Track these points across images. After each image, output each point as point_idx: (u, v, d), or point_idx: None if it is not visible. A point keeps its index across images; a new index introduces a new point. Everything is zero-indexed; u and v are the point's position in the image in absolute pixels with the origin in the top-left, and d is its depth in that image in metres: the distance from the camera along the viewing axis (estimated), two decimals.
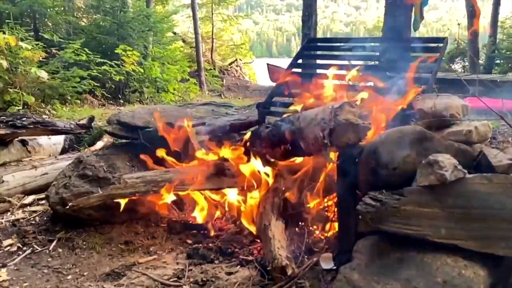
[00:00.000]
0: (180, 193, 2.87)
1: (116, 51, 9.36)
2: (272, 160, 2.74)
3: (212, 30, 17.66)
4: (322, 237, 2.54)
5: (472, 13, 12.19)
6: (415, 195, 1.82)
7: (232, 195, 2.96)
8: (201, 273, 2.36)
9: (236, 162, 2.84)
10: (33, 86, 7.24)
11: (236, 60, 18.98)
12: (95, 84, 8.66)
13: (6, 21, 7.54)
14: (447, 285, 1.66)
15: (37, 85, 7.31)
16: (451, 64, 12.89)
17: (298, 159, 2.68)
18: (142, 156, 2.94)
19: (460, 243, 1.76)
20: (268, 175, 2.80)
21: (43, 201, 3.43)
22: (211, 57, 17.08)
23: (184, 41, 17.55)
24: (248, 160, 2.82)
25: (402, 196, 1.82)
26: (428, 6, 8.18)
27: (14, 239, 2.88)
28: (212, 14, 17.82)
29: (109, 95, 9.38)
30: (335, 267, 2.16)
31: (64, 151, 4.69)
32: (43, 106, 7.42)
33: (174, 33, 15.81)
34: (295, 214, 2.66)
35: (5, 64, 6.48)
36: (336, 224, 2.44)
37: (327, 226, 2.56)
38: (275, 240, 2.24)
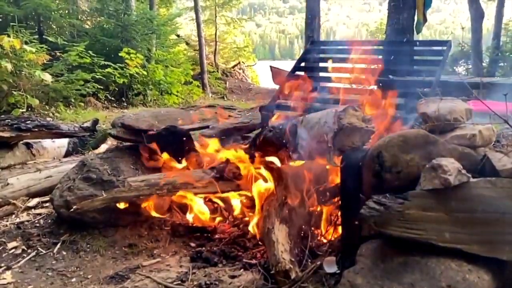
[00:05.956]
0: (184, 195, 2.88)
1: (120, 54, 9.40)
2: (275, 163, 2.75)
3: (216, 33, 17.71)
4: (326, 241, 2.53)
5: (476, 16, 12.18)
6: (419, 199, 1.81)
7: (235, 198, 2.97)
8: (204, 276, 2.36)
9: (239, 165, 2.85)
10: (37, 89, 7.29)
11: (239, 62, 19.02)
12: (99, 86, 8.71)
13: (11, 24, 7.59)
14: None
15: (41, 87, 7.35)
16: (454, 67, 12.87)
17: (302, 163, 2.68)
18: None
19: (464, 247, 1.76)
20: (271, 179, 2.81)
21: (48, 204, 3.44)
22: (214, 59, 17.13)
23: (187, 43, 17.61)
24: (252, 163, 2.83)
25: (406, 200, 1.82)
26: (431, 9, 8.17)
27: (19, 242, 2.89)
28: (216, 17, 17.89)
29: (112, 98, 9.42)
30: (338, 271, 2.16)
31: (68, 154, 4.71)
32: (47, 108, 7.47)
33: (178, 36, 15.87)
34: (299, 218, 2.65)
35: (9, 67, 6.52)
36: (339, 228, 2.43)
37: (331, 230, 2.55)
38: (279, 244, 2.24)
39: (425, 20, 7.78)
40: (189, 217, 3.02)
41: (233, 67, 18.52)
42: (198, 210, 3.00)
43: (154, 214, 2.95)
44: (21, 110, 6.55)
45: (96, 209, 2.75)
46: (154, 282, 2.34)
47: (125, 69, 9.37)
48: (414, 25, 7.67)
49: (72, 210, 2.70)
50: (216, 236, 2.85)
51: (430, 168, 1.81)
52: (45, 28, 10.45)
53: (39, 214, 3.33)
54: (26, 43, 7.13)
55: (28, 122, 4.05)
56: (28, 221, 3.21)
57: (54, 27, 10.82)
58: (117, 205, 2.78)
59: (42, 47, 7.68)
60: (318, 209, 2.64)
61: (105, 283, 2.38)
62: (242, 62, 19.28)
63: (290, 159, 2.59)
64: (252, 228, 2.71)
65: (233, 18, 19.72)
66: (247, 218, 2.91)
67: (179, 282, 2.33)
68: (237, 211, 3.02)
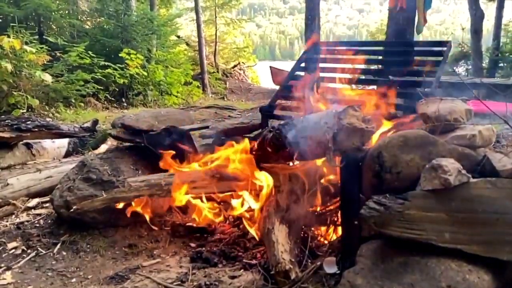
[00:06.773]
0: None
1: (120, 54, 9.41)
2: (276, 164, 2.74)
3: (216, 33, 17.72)
4: (326, 241, 2.53)
5: (476, 16, 12.19)
6: (419, 199, 1.81)
7: (235, 198, 2.96)
8: (204, 277, 2.36)
9: (239, 166, 2.85)
10: (38, 89, 7.29)
11: (239, 63, 19.03)
12: (99, 87, 8.72)
13: (11, 24, 7.60)
14: None
15: (41, 88, 7.36)
16: (454, 68, 12.86)
17: (302, 163, 2.68)
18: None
19: (464, 247, 1.76)
20: (271, 179, 2.80)
21: (48, 204, 3.44)
22: (214, 60, 17.13)
23: (187, 44, 17.61)
24: (252, 164, 2.82)
25: (406, 200, 1.82)
26: (431, 9, 8.17)
27: (19, 242, 2.89)
28: (216, 17, 17.89)
29: (112, 98, 9.42)
30: (338, 272, 2.16)
31: (68, 154, 4.72)
32: (47, 109, 7.47)
33: (178, 37, 15.87)
34: (299, 218, 2.65)
35: (9, 67, 6.52)
36: (339, 228, 2.43)
37: (331, 230, 2.55)
38: (279, 244, 2.24)
39: (425, 20, 7.78)
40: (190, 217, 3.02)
41: (233, 67, 18.53)
42: (198, 210, 3.00)
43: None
44: (21, 110, 6.56)
45: (96, 209, 2.75)
46: (154, 283, 2.34)
47: (125, 69, 9.37)
48: (415, 26, 7.66)
49: (72, 210, 2.70)
50: (216, 236, 2.85)
51: (430, 169, 1.81)
52: (45, 28, 10.45)
53: (39, 214, 3.33)
54: (26, 43, 7.14)
55: (28, 122, 4.06)
56: (28, 221, 3.21)
57: (54, 27, 10.83)
58: (117, 205, 2.77)
59: (42, 47, 7.69)
60: (318, 209, 2.64)
61: (105, 284, 2.38)
62: (242, 62, 19.29)
63: (290, 160, 2.59)
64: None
65: (233, 19, 19.73)
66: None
67: (179, 282, 2.33)
68: (237, 211, 3.01)
